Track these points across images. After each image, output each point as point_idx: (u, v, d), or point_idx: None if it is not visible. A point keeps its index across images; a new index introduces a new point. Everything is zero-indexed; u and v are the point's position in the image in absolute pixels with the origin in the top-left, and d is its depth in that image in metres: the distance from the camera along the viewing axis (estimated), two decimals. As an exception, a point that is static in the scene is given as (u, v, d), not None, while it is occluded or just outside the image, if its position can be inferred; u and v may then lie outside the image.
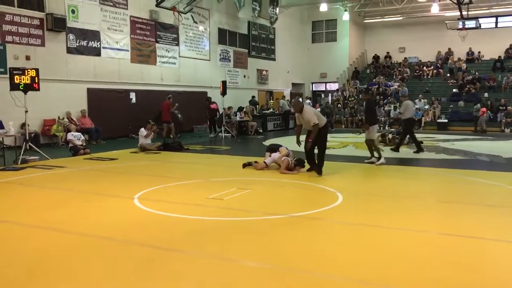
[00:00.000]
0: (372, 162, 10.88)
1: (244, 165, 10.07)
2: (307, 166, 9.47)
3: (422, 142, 15.69)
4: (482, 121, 21.74)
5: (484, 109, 22.26)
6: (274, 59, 27.52)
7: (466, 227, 5.56)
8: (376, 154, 10.97)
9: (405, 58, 30.60)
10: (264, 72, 26.57)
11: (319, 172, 9.09)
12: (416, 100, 24.37)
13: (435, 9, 26.80)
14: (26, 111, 11.19)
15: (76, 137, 12.66)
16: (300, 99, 25.27)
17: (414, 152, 13.16)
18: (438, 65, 28.97)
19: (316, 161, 9.32)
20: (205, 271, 4.15)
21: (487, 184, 8.44)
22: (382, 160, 10.80)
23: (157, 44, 19.17)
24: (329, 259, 4.46)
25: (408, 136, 13.90)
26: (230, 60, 23.87)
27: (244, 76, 24.96)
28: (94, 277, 4.02)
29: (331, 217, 6.04)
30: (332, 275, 4.06)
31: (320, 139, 9.17)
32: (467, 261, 4.41)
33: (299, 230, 5.46)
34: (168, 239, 5.07)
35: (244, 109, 21.16)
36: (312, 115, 9.05)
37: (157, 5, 17.83)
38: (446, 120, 23.26)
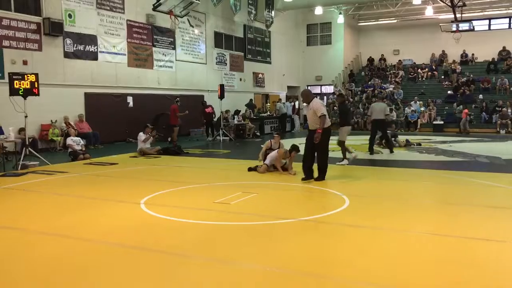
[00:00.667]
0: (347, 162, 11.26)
1: (250, 169, 10.08)
2: (301, 174, 9.10)
3: (420, 144, 15.84)
4: (464, 122, 22.07)
5: (466, 110, 22.68)
6: (269, 62, 27.56)
7: (475, 229, 5.59)
8: (347, 155, 11.47)
9: (400, 60, 30.76)
10: (260, 75, 26.60)
11: (322, 178, 8.78)
12: (412, 102, 24.54)
13: (429, 11, 27.04)
14: (26, 116, 11.12)
15: (76, 142, 12.59)
16: (295, 103, 25.59)
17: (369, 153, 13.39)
18: (433, 67, 29.14)
19: (317, 167, 8.86)
20: (217, 277, 4.13)
21: (488, 185, 8.49)
22: (344, 161, 11.26)
23: (154, 48, 19.12)
24: (340, 263, 4.47)
25: (380, 137, 14.20)
26: (226, 63, 23.87)
27: (240, 80, 24.97)
28: (110, 284, 3.99)
29: (340, 220, 6.05)
30: (345, 279, 4.07)
31: (322, 142, 8.57)
32: (483, 263, 4.43)
33: (309, 234, 5.46)
34: (179, 244, 5.05)
35: (241, 113, 21.18)
36: (320, 105, 8.68)
37: (154, 9, 17.80)
38: (442, 122, 23.40)
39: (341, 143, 11.46)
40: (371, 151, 13.37)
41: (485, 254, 4.73)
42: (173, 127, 16.22)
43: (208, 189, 8.22)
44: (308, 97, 8.92)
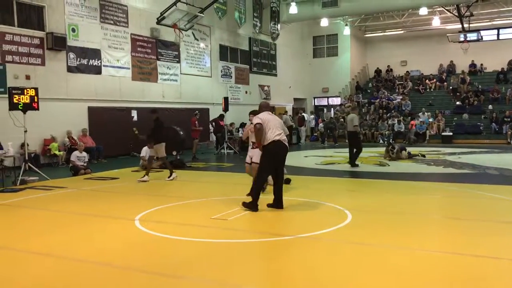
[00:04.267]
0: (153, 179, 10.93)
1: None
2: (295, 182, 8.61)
3: (424, 156, 15.52)
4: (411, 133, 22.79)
5: (413, 122, 23.30)
6: (275, 75, 27.43)
7: (483, 247, 5.28)
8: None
9: (407, 71, 30.49)
10: (266, 88, 26.46)
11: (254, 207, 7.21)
12: (420, 114, 24.21)
13: (436, 22, 26.85)
14: (25, 131, 11.01)
15: (80, 159, 12.43)
16: (303, 114, 25.37)
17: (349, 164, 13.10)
18: (442, 77, 28.78)
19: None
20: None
21: (498, 199, 8.17)
22: (146, 177, 10.88)
23: (158, 62, 19.07)
24: (341, 283, 4.19)
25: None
26: (231, 76, 23.77)
27: (246, 92, 24.84)
28: (92, 309, 3.76)
29: (341, 237, 5.77)
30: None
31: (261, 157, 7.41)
32: (495, 283, 4.14)
33: (308, 252, 5.19)
34: (171, 264, 4.81)
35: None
36: (256, 119, 7.32)
37: (158, 23, 17.75)
38: (451, 133, 23.02)
39: (162, 159, 11.38)
40: (351, 163, 13.05)
41: (496, 273, 4.43)
42: (192, 140, 16.44)
43: (206, 204, 7.97)
44: (260, 109, 7.73)
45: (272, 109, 7.90)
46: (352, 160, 13.10)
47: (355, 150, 13.10)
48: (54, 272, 4.64)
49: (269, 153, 7.21)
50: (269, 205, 7.39)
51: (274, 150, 7.20)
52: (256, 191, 7.27)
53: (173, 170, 11.25)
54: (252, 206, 7.15)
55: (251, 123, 8.14)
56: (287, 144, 7.42)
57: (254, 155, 8.31)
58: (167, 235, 5.90)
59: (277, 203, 7.35)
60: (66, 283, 4.34)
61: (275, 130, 7.22)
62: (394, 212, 7.19)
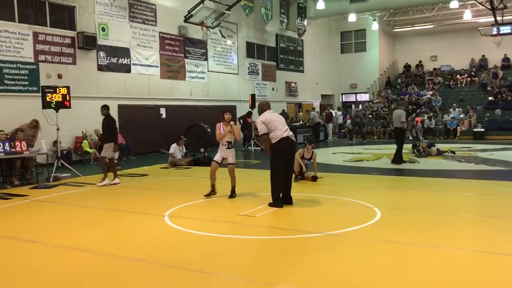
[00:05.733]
0: (105, 185, 9.92)
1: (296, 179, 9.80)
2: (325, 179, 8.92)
3: (454, 152, 15.18)
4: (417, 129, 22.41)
5: (418, 118, 22.93)
6: (302, 71, 27.30)
7: (519, 245, 5.15)
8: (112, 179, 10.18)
9: (437, 67, 29.86)
10: (292, 84, 26.37)
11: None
12: (451, 109, 23.71)
13: (467, 15, 26.17)
14: (58, 129, 11.28)
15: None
16: (331, 111, 25.17)
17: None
18: (472, 73, 28.11)
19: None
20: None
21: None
22: (105, 181, 9.98)
23: (186, 60, 19.23)
24: (369, 282, 4.15)
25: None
26: (258, 73, 23.78)
27: (273, 89, 24.81)
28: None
29: (371, 235, 5.70)
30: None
31: (270, 162, 7.39)
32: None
33: (337, 250, 5.16)
34: (200, 260, 4.86)
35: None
36: (259, 123, 7.39)
37: (186, 21, 17.89)
38: (482, 129, 22.44)
39: (101, 160, 10.37)
40: (398, 161, 12.76)
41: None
42: None
43: (234, 201, 8.02)
44: (261, 109, 7.72)
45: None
46: (398, 158, 12.73)
47: (397, 147, 12.80)
48: (86, 267, 4.75)
49: (280, 150, 7.22)
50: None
51: (285, 147, 7.25)
52: (273, 192, 7.27)
53: (107, 176, 10.10)
54: (274, 205, 7.23)
55: (228, 122, 8.04)
56: (294, 140, 7.48)
57: (230, 155, 8.13)
58: (196, 231, 5.96)
59: (286, 200, 7.39)
60: (97, 277, 4.43)
61: (281, 127, 7.27)
62: (423, 210, 7.07)
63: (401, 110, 13.00)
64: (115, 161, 10.89)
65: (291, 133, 7.40)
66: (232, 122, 8.15)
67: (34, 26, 13.99)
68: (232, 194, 8.19)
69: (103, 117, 10.49)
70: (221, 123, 8.15)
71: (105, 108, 10.52)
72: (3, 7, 13.33)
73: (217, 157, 8.19)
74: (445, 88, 27.92)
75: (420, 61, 30.80)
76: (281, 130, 7.23)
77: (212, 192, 8.16)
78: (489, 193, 8.54)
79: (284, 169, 7.32)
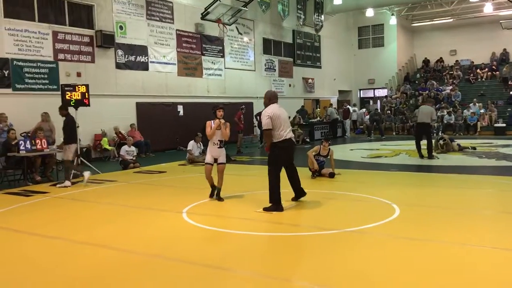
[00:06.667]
0: (65, 186, 9.62)
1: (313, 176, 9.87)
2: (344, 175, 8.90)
3: (475, 148, 14.96)
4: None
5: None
6: (319, 67, 27.17)
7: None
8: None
9: (457, 61, 29.41)
10: (310, 80, 26.26)
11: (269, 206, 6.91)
12: (471, 104, 23.35)
13: (488, 8, 25.71)
14: (78, 127, 11.40)
15: (129, 153, 12.77)
16: (348, 107, 25.00)
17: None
18: (493, 67, 27.60)
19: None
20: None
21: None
22: (66, 183, 9.68)
23: (203, 57, 19.29)
24: (387, 279, 4.12)
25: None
26: (275, 69, 23.74)
27: (290, 85, 24.75)
28: (143, 298, 3.88)
29: (389, 231, 5.66)
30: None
31: (269, 160, 7.14)
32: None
33: (356, 246, 5.13)
34: (218, 256, 4.88)
35: (290, 120, 20.89)
36: (265, 116, 6.97)
37: (202, 18, 17.96)
38: (504, 125, 22.05)
39: (67, 163, 10.06)
40: (420, 155, 12.81)
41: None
42: (237, 133, 16.46)
43: (251, 198, 8.03)
44: (268, 100, 7.23)
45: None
46: (429, 153, 12.76)
47: (427, 140, 12.80)
48: (105, 263, 4.81)
49: (282, 150, 6.95)
50: (293, 199, 7.42)
51: (287, 148, 7.03)
52: (273, 192, 6.88)
53: (71, 180, 9.84)
54: (274, 208, 6.77)
55: (219, 119, 7.73)
56: (294, 140, 7.31)
57: (221, 155, 7.81)
58: (213, 228, 6.00)
59: (299, 193, 7.34)
60: (117, 273, 4.49)
61: (286, 126, 6.99)
62: (443, 207, 6.98)
63: (430, 106, 13.08)
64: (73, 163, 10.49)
65: (292, 134, 7.21)
66: (222, 120, 7.75)
67: (53, 25, 14.19)
68: (219, 198, 7.71)
69: (64, 115, 10.21)
70: (212, 121, 7.78)
71: (63, 108, 10.29)
72: (23, 7, 13.55)
73: (209, 159, 7.79)
74: (465, 83, 27.49)
75: (441, 57, 30.34)
76: (285, 130, 6.95)
77: (213, 191, 7.87)
78: (510, 190, 8.39)
79: (282, 167, 7.15)
